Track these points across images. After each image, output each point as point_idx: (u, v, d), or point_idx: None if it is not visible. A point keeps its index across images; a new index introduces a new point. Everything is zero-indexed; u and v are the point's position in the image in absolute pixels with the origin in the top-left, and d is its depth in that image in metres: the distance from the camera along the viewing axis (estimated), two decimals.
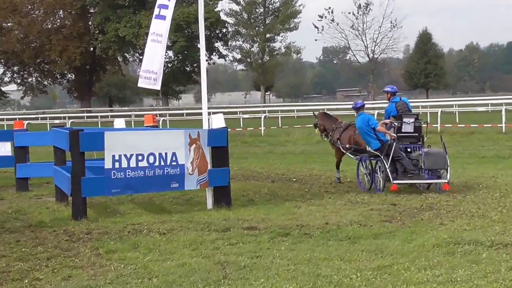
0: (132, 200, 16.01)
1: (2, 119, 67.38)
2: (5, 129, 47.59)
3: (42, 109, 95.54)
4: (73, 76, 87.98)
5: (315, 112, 23.56)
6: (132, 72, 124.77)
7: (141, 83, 15.33)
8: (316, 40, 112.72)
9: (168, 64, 77.26)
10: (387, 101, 18.82)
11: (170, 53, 76.50)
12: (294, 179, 20.03)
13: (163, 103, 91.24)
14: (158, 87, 15.32)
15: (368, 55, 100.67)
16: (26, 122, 31.73)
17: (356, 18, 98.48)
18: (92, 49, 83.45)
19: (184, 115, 66.54)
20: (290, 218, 13.17)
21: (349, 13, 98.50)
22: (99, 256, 10.21)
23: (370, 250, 10.15)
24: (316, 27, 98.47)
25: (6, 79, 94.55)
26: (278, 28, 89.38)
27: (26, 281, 8.96)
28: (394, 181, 16.44)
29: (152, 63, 15.07)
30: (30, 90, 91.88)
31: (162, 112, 64.28)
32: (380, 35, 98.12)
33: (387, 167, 16.48)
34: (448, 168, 16.73)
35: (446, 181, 16.62)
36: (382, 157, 16.71)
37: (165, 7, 14.93)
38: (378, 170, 16.96)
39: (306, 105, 73.90)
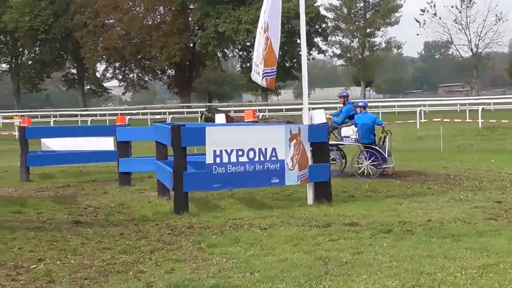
0: (232, 195, 16.09)
1: (104, 114, 68.76)
2: (108, 124, 48.59)
3: (143, 104, 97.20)
4: (173, 72, 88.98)
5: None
6: (231, 68, 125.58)
7: (254, 78, 15.51)
8: (417, 34, 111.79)
9: None
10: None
11: None
12: (394, 176, 19.85)
13: (262, 98, 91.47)
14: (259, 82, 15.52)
15: (471, 50, 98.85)
16: (127, 117, 32.36)
17: (460, 12, 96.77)
18: (191, 45, 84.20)
19: (284, 110, 66.36)
20: (391, 214, 13.04)
21: (452, 6, 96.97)
22: (201, 250, 10.31)
23: (475, 248, 9.93)
24: (417, 21, 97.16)
25: (108, 75, 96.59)
26: (378, 23, 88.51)
27: (131, 273, 9.10)
28: (383, 166, 20.20)
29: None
30: (131, 86, 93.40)
31: (261, 107, 64.53)
32: (484, 29, 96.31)
33: (380, 157, 20.16)
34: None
35: (393, 165, 20.82)
36: (375, 148, 20.35)
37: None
38: (365, 160, 20.38)
39: (406, 100, 72.96)
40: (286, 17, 69.22)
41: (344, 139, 21.09)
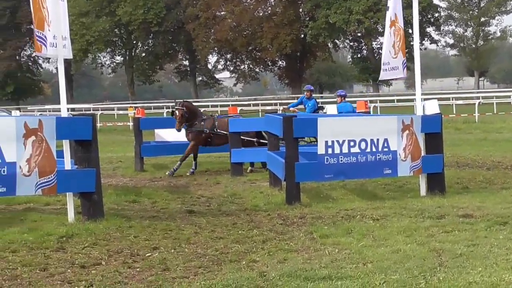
0: (344, 186, 16.04)
1: (216, 106, 69.42)
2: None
3: (254, 95, 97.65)
4: (284, 63, 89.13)
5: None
6: (342, 58, 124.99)
7: (383, 76, 15.43)
8: None
9: (379, 51, 76.76)
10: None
11: (381, 39, 75.97)
12: (510, 167, 19.44)
13: (374, 89, 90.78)
14: (400, 74, 15.30)
15: None
16: (238, 108, 32.59)
17: None
18: (302, 36, 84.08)
19: (395, 101, 65.64)
20: (507, 207, 12.70)
21: None
22: (313, 240, 10.32)
23: None
24: None
25: (219, 66, 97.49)
26: (493, 11, 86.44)
27: (244, 262, 9.19)
28: None
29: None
30: (242, 77, 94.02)
31: (373, 98, 63.98)
32: None
33: None
34: None
35: None
36: None
37: None
38: None
39: None
40: None
41: None
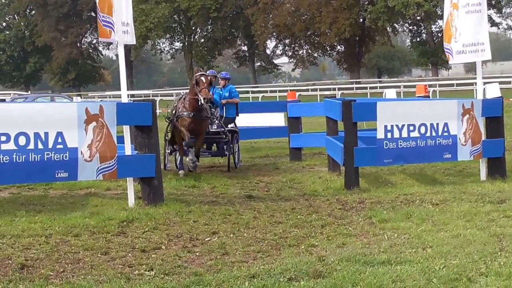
0: (403, 171, 15.96)
1: (275, 91, 69.43)
2: (278, 100, 49.02)
3: (312, 80, 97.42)
4: (343, 47, 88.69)
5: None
6: (401, 43, 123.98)
7: (460, 59, 15.16)
8: None
9: (439, 34, 75.91)
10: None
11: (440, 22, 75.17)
12: None
13: (433, 73, 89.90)
14: (487, 56, 14.81)
15: None
16: (297, 94, 32.51)
17: None
18: (361, 20, 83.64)
19: (455, 85, 64.81)
20: None
21: None
22: (372, 225, 10.31)
23: None
24: None
25: (278, 52, 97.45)
26: None
27: (302, 247, 9.20)
28: None
29: (474, 35, 14.55)
30: (301, 62, 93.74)
31: (432, 82, 63.30)
32: None
33: None
34: None
35: None
36: None
37: None
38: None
39: None
40: None
41: None
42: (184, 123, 16.23)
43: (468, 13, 14.44)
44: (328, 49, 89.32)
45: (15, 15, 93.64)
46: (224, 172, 17.36)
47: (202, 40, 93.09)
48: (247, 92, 69.24)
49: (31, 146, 11.34)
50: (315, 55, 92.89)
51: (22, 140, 11.26)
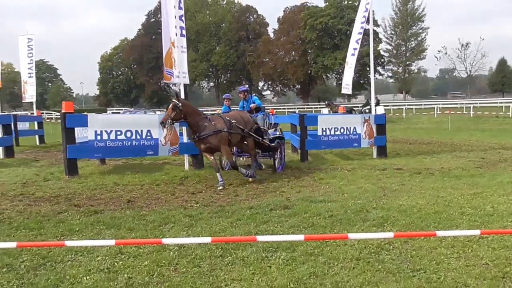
0: (331, 152, 15.66)
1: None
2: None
3: (282, 103, 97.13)
4: (299, 86, 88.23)
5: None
6: (331, 83, 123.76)
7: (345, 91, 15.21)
8: (435, 64, 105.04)
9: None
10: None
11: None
12: (423, 143, 19.04)
13: (347, 100, 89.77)
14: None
15: (467, 73, 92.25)
16: (275, 110, 32.31)
17: (460, 51, 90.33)
18: (309, 72, 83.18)
19: (359, 106, 64.02)
20: (420, 164, 12.51)
21: (456, 48, 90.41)
22: (315, 181, 10.22)
23: (469, 183, 9.46)
24: (436, 57, 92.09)
25: (264, 88, 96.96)
26: (413, 58, 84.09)
27: (277, 192, 9.07)
28: None
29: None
30: (276, 93, 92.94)
31: (346, 105, 62.72)
32: (474, 61, 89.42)
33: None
34: None
35: None
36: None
37: None
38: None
39: (429, 102, 69.55)
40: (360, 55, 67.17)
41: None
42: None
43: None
44: (291, 86, 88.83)
45: (125, 67, 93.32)
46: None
47: (224, 82, 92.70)
48: None
49: (134, 137, 11.41)
50: (284, 90, 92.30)
51: (128, 134, 11.44)
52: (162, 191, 9.32)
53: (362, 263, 5.10)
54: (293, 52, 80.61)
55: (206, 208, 7.78)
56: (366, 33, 15.86)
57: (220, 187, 9.57)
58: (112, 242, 3.87)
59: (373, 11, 15.32)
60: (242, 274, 4.86)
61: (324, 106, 29.35)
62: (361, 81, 74.92)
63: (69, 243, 3.88)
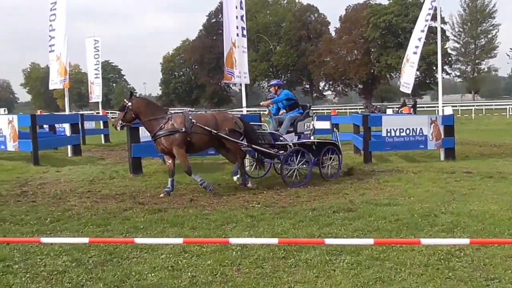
0: (396, 154, 15.18)
1: (323, 110, 68.52)
2: (325, 114, 48.24)
3: (344, 103, 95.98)
4: (362, 86, 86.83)
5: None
6: (395, 83, 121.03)
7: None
8: (507, 63, 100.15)
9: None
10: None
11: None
12: (494, 145, 18.18)
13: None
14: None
15: None
16: (336, 111, 31.99)
17: None
18: (372, 71, 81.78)
19: (425, 107, 61.33)
20: (492, 168, 11.93)
21: None
22: (379, 184, 10.00)
23: None
24: (508, 55, 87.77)
25: (325, 88, 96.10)
26: (483, 57, 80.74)
27: (340, 194, 8.96)
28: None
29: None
30: (338, 94, 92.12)
31: (411, 105, 61.26)
32: None
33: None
34: None
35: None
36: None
37: None
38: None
39: (501, 102, 66.58)
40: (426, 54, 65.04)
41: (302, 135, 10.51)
42: None
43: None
44: (353, 86, 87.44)
45: (186, 68, 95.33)
46: None
47: (285, 82, 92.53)
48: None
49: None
50: (346, 90, 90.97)
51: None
52: (224, 191, 9.41)
53: (431, 269, 4.93)
54: (355, 51, 79.53)
55: (268, 209, 7.79)
56: (430, 30, 15.38)
57: (162, 194, 8.87)
58: (180, 240, 3.95)
59: (440, 8, 14.77)
60: (305, 276, 4.82)
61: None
62: (427, 81, 72.86)
63: (138, 240, 3.98)
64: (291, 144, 10.10)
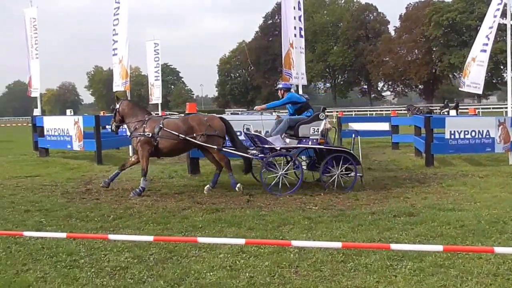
0: (460, 157, 14.65)
1: (382, 111, 67.16)
2: (384, 115, 47.36)
3: (403, 104, 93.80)
4: (422, 86, 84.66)
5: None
6: (458, 83, 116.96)
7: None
8: None
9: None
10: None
11: None
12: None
13: (477, 101, 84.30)
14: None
15: None
16: (396, 112, 31.31)
17: None
18: (434, 71, 79.50)
19: (491, 108, 57.73)
20: None
21: None
22: (442, 188, 9.67)
23: None
24: None
25: (384, 88, 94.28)
26: None
27: (401, 198, 8.74)
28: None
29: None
30: (397, 94, 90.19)
31: (477, 106, 58.61)
32: None
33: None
34: None
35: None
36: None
37: None
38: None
39: None
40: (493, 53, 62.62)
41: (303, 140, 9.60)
42: None
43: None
44: (413, 87, 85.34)
45: (242, 69, 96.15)
46: (381, 154, 16.63)
47: (341, 82, 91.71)
48: (366, 111, 67.62)
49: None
50: (406, 90, 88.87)
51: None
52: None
53: (501, 279, 4.71)
54: (416, 51, 77.72)
55: (325, 211, 7.71)
56: (498, 28, 14.70)
57: (132, 195, 9.16)
58: (242, 241, 3.99)
59: (509, 4, 14.11)
60: (365, 281, 4.73)
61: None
62: (494, 81, 70.10)
63: (201, 239, 4.04)
64: (278, 148, 9.43)
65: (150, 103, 27.24)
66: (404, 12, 79.50)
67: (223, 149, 9.63)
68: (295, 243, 4.02)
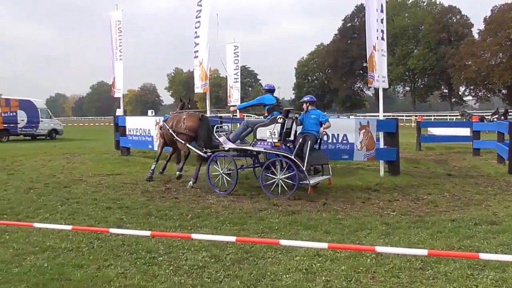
0: None
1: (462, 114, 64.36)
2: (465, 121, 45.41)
3: (484, 109, 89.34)
4: (506, 91, 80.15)
5: None
6: None
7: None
8: None
9: None
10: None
11: None
12: None
13: None
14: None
15: None
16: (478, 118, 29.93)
17: None
18: None
19: None
20: None
21: None
22: None
23: None
24: None
25: (466, 93, 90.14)
26: None
27: (483, 206, 8.39)
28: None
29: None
30: (480, 99, 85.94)
31: None
32: None
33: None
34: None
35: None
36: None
37: None
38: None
39: None
40: None
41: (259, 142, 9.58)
42: None
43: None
44: (497, 91, 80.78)
45: (320, 72, 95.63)
46: (433, 160, 16.02)
47: (421, 86, 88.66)
48: (445, 116, 65.06)
49: (330, 140, 11.70)
50: (488, 95, 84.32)
51: (325, 137, 11.18)
52: (357, 196, 9.27)
53: None
54: (501, 54, 73.64)
55: (403, 217, 7.52)
56: None
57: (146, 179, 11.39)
58: (325, 245, 4.01)
59: None
60: None
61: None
62: None
63: (283, 242, 4.12)
64: (226, 148, 9.95)
65: (228, 104, 27.72)
66: (489, 15, 75.62)
67: (187, 145, 10.74)
68: (378, 249, 3.96)
